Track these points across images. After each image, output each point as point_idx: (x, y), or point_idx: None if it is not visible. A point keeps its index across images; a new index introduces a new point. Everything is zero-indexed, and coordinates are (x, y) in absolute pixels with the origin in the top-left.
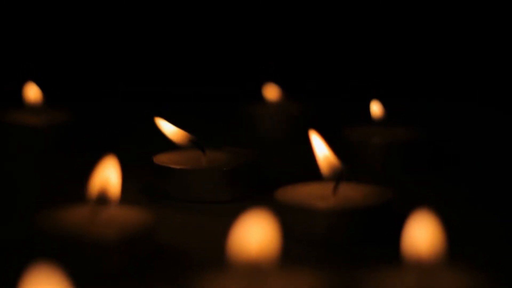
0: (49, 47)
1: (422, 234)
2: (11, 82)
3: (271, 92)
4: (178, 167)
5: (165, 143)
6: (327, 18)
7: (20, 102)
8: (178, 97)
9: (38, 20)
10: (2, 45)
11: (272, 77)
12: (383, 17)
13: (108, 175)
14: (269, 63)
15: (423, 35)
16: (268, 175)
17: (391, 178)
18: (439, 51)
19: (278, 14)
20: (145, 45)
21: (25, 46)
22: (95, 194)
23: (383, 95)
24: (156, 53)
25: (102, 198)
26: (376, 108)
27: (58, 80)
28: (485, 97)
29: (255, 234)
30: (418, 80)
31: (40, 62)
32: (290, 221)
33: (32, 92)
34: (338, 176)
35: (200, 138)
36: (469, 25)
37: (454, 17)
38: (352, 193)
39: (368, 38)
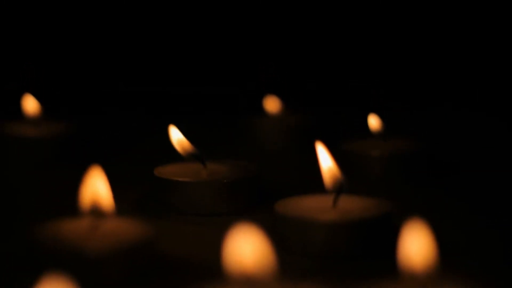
0: (47, 57)
1: (415, 245)
2: (9, 94)
3: (272, 104)
4: (178, 179)
5: (166, 155)
6: (326, 29)
7: (18, 114)
8: (178, 104)
9: (37, 31)
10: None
11: (273, 89)
12: (381, 30)
13: (96, 188)
14: (270, 74)
15: (419, 45)
16: (268, 187)
17: (391, 190)
18: (435, 61)
19: (278, 28)
20: (144, 48)
21: (23, 57)
22: (87, 207)
23: (381, 108)
24: (157, 56)
25: (96, 211)
26: (373, 122)
27: (57, 91)
28: (484, 107)
29: (247, 247)
30: (415, 92)
31: (38, 73)
32: (289, 234)
33: (30, 104)
34: (338, 189)
35: (200, 150)
36: (463, 34)
37: (449, 26)
38: (351, 205)
39: (367, 50)
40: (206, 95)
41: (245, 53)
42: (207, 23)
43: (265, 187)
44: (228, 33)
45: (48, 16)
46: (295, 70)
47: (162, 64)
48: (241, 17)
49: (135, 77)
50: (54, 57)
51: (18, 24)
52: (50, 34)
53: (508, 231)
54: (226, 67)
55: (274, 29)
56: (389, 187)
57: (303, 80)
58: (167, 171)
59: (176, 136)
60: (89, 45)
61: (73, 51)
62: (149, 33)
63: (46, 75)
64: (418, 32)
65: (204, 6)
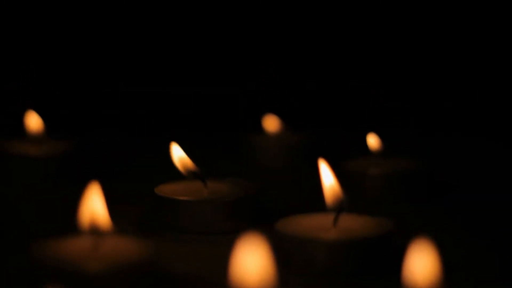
0: (49, 73)
1: (421, 265)
2: (11, 110)
3: (271, 123)
4: (179, 198)
5: (166, 173)
6: (327, 39)
7: (21, 131)
8: (178, 107)
9: (38, 45)
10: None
11: (272, 108)
12: (381, 49)
13: (95, 206)
14: (270, 76)
15: (421, 67)
16: (269, 205)
17: (391, 209)
18: (437, 83)
19: (278, 36)
20: (144, 48)
21: (25, 73)
22: (87, 225)
23: (381, 126)
24: (157, 58)
25: (96, 229)
26: (373, 141)
27: (59, 109)
28: (484, 129)
29: (250, 263)
30: (416, 112)
31: (40, 90)
32: (291, 252)
33: (33, 122)
34: (339, 207)
35: (201, 168)
36: (466, 55)
37: (450, 47)
38: (352, 224)
39: (366, 69)
40: (206, 95)
41: (244, 54)
42: (209, 27)
43: (266, 206)
44: (227, 36)
45: (47, 41)
46: (294, 101)
47: (162, 66)
48: (241, 22)
49: (135, 77)
50: (55, 68)
51: (18, 51)
52: (50, 42)
53: (507, 253)
54: (227, 68)
55: (274, 37)
56: (389, 205)
57: (302, 95)
58: (167, 189)
59: (177, 154)
60: (87, 50)
61: (73, 59)
62: (151, 35)
63: (47, 88)
64: (420, 51)
65: (205, 10)
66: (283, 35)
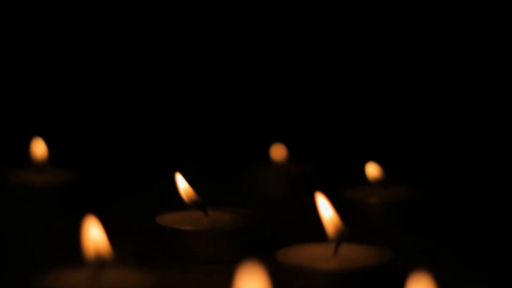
0: (55, 102)
1: None
2: (16, 137)
3: (276, 152)
4: (181, 227)
5: (167, 203)
6: (328, 75)
7: (26, 158)
8: (182, 151)
9: (44, 76)
10: (7, 103)
11: (279, 138)
12: (381, 79)
13: (95, 237)
14: (275, 124)
15: (422, 96)
16: (270, 235)
17: (391, 238)
18: (437, 111)
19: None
20: (151, 93)
21: (30, 103)
22: (88, 256)
23: (381, 156)
24: (162, 103)
25: (98, 260)
26: (372, 170)
27: (64, 136)
28: (485, 156)
29: None
30: (416, 139)
31: (45, 118)
32: (291, 282)
33: (39, 149)
34: (339, 237)
35: (202, 198)
36: (464, 82)
37: (449, 73)
38: (352, 254)
39: (368, 101)
40: (209, 142)
41: (247, 100)
42: (217, 57)
43: (267, 235)
44: (231, 77)
45: (53, 72)
46: (298, 131)
47: (165, 94)
48: (245, 61)
49: (143, 123)
50: (59, 113)
51: (24, 80)
52: (55, 89)
53: (507, 285)
54: (231, 115)
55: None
56: (389, 235)
57: (306, 125)
58: (169, 219)
59: (181, 184)
60: (92, 78)
61: (78, 88)
62: (158, 66)
63: (52, 115)
64: (422, 78)
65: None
66: (285, 67)
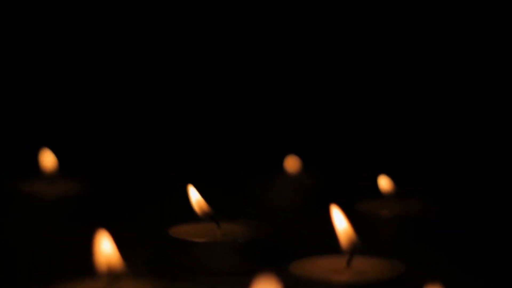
0: (63, 112)
1: None
2: (25, 148)
3: (289, 164)
4: (193, 239)
5: (179, 215)
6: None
7: (35, 170)
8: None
9: (44, 77)
10: (16, 112)
11: (290, 149)
12: (380, 79)
13: (106, 250)
14: (275, 124)
15: (422, 96)
16: (283, 247)
17: (403, 251)
18: (449, 123)
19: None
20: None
21: (39, 112)
22: (101, 268)
23: (393, 168)
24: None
25: (108, 272)
26: (384, 183)
27: (73, 147)
28: (500, 168)
29: None
30: (416, 139)
31: (54, 128)
32: None
33: (48, 160)
34: (352, 250)
35: (215, 210)
36: (464, 82)
37: (449, 73)
38: (366, 266)
39: (368, 101)
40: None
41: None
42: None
43: (280, 248)
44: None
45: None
46: (311, 142)
47: (166, 112)
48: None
49: (143, 123)
50: (68, 122)
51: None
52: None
53: None
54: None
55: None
56: (402, 247)
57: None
58: (181, 231)
59: (194, 195)
60: (101, 90)
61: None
62: (168, 76)
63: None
64: (421, 78)
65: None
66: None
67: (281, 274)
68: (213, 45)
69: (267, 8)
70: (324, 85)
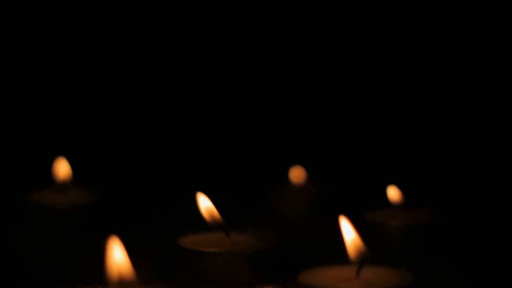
0: (78, 122)
1: None
2: (39, 157)
3: (295, 174)
4: (203, 249)
5: (188, 225)
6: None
7: (49, 178)
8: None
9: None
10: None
11: (297, 160)
12: (380, 79)
13: (117, 258)
14: (275, 124)
15: (421, 96)
16: (292, 257)
17: (412, 261)
18: (458, 134)
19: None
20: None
21: (39, 112)
22: (111, 277)
23: (401, 178)
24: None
25: (119, 281)
26: (393, 193)
27: (86, 156)
28: (505, 178)
29: None
30: (416, 139)
31: (53, 129)
32: None
33: (61, 170)
34: (361, 260)
35: (224, 219)
36: (464, 82)
37: (449, 73)
38: (374, 276)
39: (368, 101)
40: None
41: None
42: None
43: (289, 257)
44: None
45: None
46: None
47: (166, 112)
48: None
49: (160, 126)
50: (81, 133)
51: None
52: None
53: None
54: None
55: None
56: (410, 257)
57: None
58: (190, 240)
59: (204, 204)
60: (111, 99)
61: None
62: (176, 84)
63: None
64: (421, 78)
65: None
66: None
67: (290, 284)
68: (213, 45)
69: (267, 8)
70: (324, 85)
